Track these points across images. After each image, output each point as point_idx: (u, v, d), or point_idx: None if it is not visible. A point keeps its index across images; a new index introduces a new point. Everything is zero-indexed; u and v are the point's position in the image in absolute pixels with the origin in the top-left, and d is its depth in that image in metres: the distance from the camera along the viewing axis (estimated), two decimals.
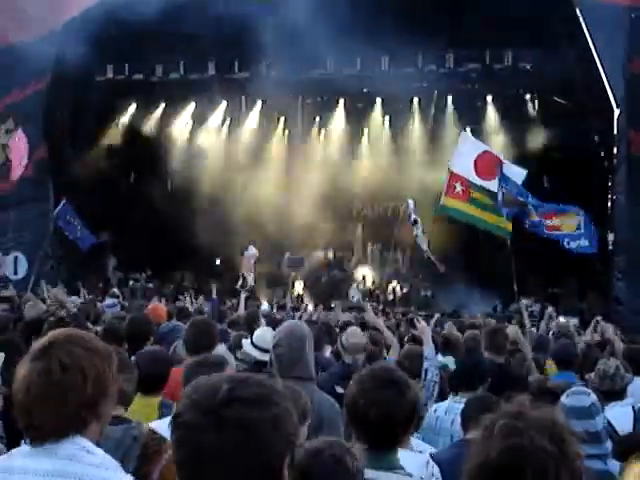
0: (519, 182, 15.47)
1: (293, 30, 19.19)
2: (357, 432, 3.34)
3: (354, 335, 6.78)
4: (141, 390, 4.76)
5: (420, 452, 4.11)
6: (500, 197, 15.88)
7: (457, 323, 13.34)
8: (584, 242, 15.45)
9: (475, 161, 15.96)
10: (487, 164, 16.44)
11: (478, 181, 15.67)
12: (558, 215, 15.87)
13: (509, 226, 15.73)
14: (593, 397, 4.30)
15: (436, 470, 3.79)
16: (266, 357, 5.20)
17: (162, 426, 4.33)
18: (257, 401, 1.84)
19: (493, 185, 15.72)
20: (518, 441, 1.97)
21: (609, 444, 4.37)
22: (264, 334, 5.90)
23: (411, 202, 19.41)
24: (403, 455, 3.47)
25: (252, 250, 22.91)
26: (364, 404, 3.29)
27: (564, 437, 2.00)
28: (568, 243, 15.49)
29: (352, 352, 6.61)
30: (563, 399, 4.28)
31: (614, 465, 4.28)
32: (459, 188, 15.93)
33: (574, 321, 18.53)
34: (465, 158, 15.98)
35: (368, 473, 3.13)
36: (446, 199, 15.95)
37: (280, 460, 1.84)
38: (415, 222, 18.62)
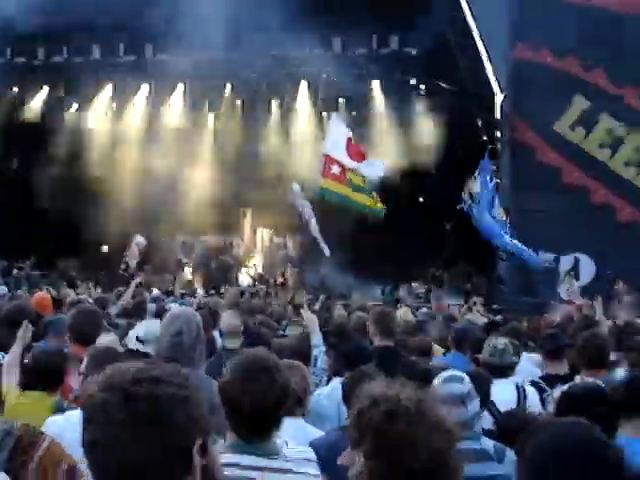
0: (381, 171, 16.02)
1: (180, 13, 18.97)
2: (230, 420, 3.33)
3: (230, 318, 6.77)
4: (34, 387, 4.66)
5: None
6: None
7: (346, 306, 13.46)
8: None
9: (346, 143, 16.27)
10: (356, 146, 16.84)
11: (351, 163, 16.02)
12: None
13: (379, 205, 16.18)
14: (467, 383, 4.37)
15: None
16: (148, 348, 5.13)
17: (58, 422, 4.25)
18: (167, 381, 1.86)
19: (363, 167, 16.09)
20: (392, 427, 1.99)
21: (479, 426, 4.47)
22: (147, 326, 5.81)
23: (296, 187, 19.47)
24: (288, 439, 3.48)
25: (139, 238, 22.64)
26: (236, 393, 3.29)
27: (435, 415, 2.02)
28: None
29: (230, 336, 6.62)
30: (437, 386, 4.34)
31: (489, 444, 4.38)
32: (335, 170, 16.17)
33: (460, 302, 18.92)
34: (337, 141, 16.26)
35: (241, 459, 3.14)
36: (324, 181, 16.17)
37: (189, 441, 1.85)
38: (301, 206, 18.69)
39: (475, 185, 16.60)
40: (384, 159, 17.81)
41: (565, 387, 4.75)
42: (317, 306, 12.72)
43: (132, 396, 1.82)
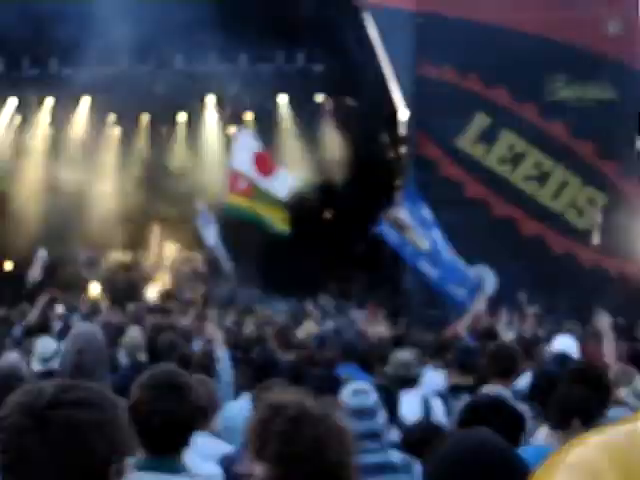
0: (291, 186, 16.01)
1: (86, 27, 18.77)
2: (140, 438, 3.31)
3: (135, 335, 6.77)
4: None
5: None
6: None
7: (254, 321, 13.48)
8: (461, 292, 16.12)
9: (252, 158, 16.29)
10: (264, 161, 16.86)
11: (259, 178, 16.05)
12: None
13: (285, 223, 16.25)
14: (374, 395, 4.46)
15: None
16: (50, 367, 5.09)
17: None
18: (84, 404, 1.81)
19: (272, 182, 16.14)
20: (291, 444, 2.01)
21: (387, 437, 4.56)
22: (44, 344, 5.75)
23: (201, 205, 19.42)
24: (196, 455, 3.50)
25: (42, 252, 22.19)
26: (146, 411, 3.27)
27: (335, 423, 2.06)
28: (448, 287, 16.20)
29: (132, 350, 6.61)
30: (346, 398, 4.41)
31: (396, 456, 4.48)
32: (242, 185, 16.20)
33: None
34: (244, 155, 16.28)
35: (149, 477, 3.13)
36: (230, 197, 16.17)
37: (105, 465, 1.82)
38: (204, 227, 18.62)
39: (401, 213, 16.62)
40: (292, 175, 17.88)
41: (468, 398, 4.88)
42: (227, 321, 12.73)
43: (48, 422, 1.76)
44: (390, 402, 5.03)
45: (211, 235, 19.25)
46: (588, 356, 7.41)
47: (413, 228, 16.29)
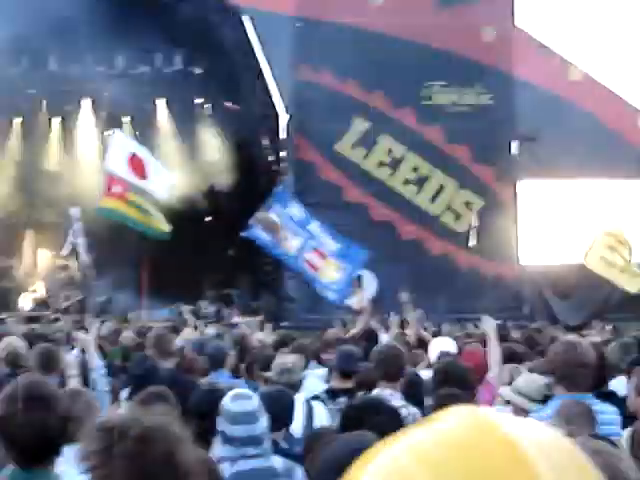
0: (169, 188, 15.89)
1: None
2: (9, 451, 3.19)
3: (13, 343, 6.54)
4: None
5: None
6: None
7: (133, 328, 13.24)
8: (331, 294, 15.99)
9: (128, 160, 16.04)
10: (140, 163, 16.60)
11: (134, 181, 15.82)
12: (325, 258, 16.18)
13: (164, 226, 16.06)
14: (256, 400, 4.40)
15: None
16: None
17: None
18: None
19: (149, 184, 15.94)
20: (140, 463, 1.90)
21: (269, 442, 4.50)
22: None
23: (73, 210, 18.99)
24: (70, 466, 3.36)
25: None
26: (14, 424, 3.15)
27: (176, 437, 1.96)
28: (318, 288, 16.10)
29: (16, 361, 6.40)
30: (227, 404, 4.34)
31: (278, 461, 4.41)
32: (117, 188, 15.91)
33: (249, 320, 19.01)
34: (119, 158, 16.01)
35: None
36: (105, 200, 15.87)
37: None
38: (74, 234, 18.21)
39: (271, 214, 16.55)
40: (170, 176, 17.60)
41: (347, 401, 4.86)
42: (104, 330, 12.42)
43: None
44: (283, 408, 4.98)
45: (79, 241, 18.82)
46: (466, 357, 7.50)
47: (283, 229, 16.30)
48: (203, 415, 4.57)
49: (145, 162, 16.61)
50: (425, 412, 5.35)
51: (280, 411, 4.84)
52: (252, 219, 16.27)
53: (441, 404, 4.64)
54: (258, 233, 16.18)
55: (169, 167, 20.77)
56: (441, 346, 8.08)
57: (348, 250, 16.31)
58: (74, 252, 18.66)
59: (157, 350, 6.84)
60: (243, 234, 16.51)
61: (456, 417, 1.04)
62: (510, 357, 7.39)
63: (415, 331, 9.73)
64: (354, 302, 17.27)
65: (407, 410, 5.10)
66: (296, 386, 6.07)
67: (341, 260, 16.10)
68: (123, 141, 17.19)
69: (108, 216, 16.76)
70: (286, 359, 6.17)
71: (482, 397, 6.08)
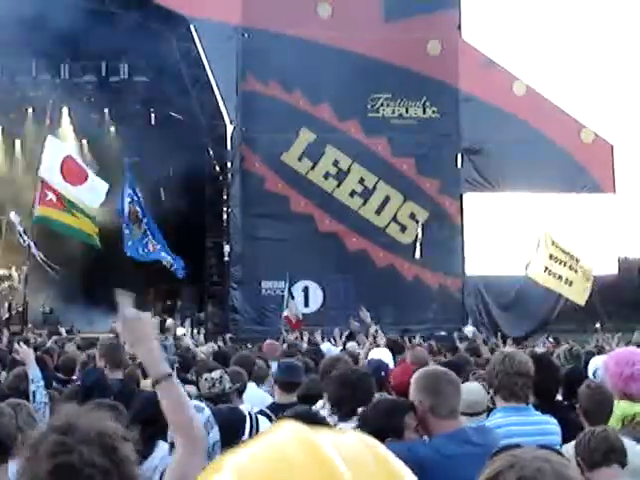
0: (102, 196, 15.84)
1: None
2: None
3: None
4: None
5: None
6: (126, 209, 15.94)
7: (76, 340, 13.07)
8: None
9: (61, 166, 15.89)
10: (74, 169, 16.43)
11: (67, 188, 15.68)
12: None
13: (96, 234, 16.00)
14: (207, 412, 4.36)
15: None
16: None
17: None
18: None
19: (84, 191, 15.81)
20: (66, 459, 1.86)
21: (218, 455, 4.46)
22: None
23: (13, 214, 18.74)
24: None
25: None
26: None
27: (115, 445, 1.92)
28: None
29: None
30: None
31: None
32: (52, 196, 15.77)
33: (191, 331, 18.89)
34: (53, 164, 15.86)
35: None
36: (40, 208, 15.71)
37: None
38: (24, 233, 17.96)
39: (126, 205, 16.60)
40: (103, 184, 17.36)
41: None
42: (49, 343, 12.25)
43: None
44: (232, 424, 4.94)
45: (28, 242, 18.55)
46: (400, 366, 7.48)
47: (137, 216, 16.44)
48: (147, 421, 4.51)
49: (79, 169, 16.49)
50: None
51: (229, 427, 4.80)
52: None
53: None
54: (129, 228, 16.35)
55: (114, 177, 20.64)
56: (378, 355, 8.08)
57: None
58: (29, 252, 18.37)
59: (107, 361, 6.75)
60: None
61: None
62: (457, 369, 7.41)
63: (368, 345, 9.73)
64: (286, 312, 17.39)
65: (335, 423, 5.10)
66: (227, 396, 6.03)
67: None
68: (57, 147, 17.00)
69: (46, 224, 16.60)
70: (212, 374, 6.13)
71: None
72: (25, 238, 17.89)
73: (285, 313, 17.27)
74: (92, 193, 16.42)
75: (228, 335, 17.35)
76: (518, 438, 3.98)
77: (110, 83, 22.66)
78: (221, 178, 22.15)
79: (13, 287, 24.01)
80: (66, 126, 24.33)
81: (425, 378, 3.90)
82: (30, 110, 24.61)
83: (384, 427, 3.67)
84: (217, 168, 22.26)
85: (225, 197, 21.85)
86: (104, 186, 16.82)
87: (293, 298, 18.38)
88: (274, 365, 8.49)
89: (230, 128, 21.43)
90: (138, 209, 16.53)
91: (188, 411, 2.72)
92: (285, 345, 11.35)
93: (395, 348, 8.93)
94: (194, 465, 2.58)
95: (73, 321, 21.42)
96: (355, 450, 1.10)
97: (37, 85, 22.64)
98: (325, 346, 11.64)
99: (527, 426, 4.39)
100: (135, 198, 16.57)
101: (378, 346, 9.16)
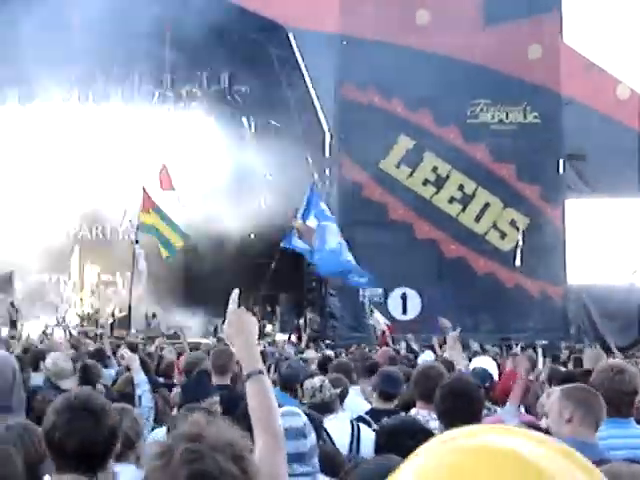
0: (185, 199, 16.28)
1: None
2: (55, 461, 3.21)
3: (60, 360, 6.56)
4: None
5: None
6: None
7: (178, 346, 13.25)
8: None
9: (161, 173, 16.37)
10: (168, 176, 16.95)
11: (161, 192, 16.22)
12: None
13: (179, 244, 16.37)
14: (303, 417, 4.37)
15: None
16: None
17: None
18: None
19: (173, 194, 16.30)
20: (201, 466, 1.90)
21: (316, 460, 4.45)
22: None
23: (129, 222, 19.18)
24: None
25: None
26: (60, 435, 3.18)
27: (243, 454, 1.96)
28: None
29: (60, 377, 6.40)
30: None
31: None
32: (150, 205, 16.27)
33: (293, 338, 19.07)
34: (154, 173, 16.36)
35: None
36: (141, 215, 16.22)
37: None
38: (137, 242, 18.40)
39: (309, 220, 16.67)
40: (216, 196, 17.75)
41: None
42: (151, 347, 12.48)
43: None
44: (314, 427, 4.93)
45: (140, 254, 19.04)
46: (507, 376, 7.37)
47: (322, 228, 16.50)
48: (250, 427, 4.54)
49: (169, 176, 17.03)
50: None
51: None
52: (290, 228, 16.45)
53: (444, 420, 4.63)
54: (295, 242, 16.34)
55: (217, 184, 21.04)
56: (480, 364, 7.96)
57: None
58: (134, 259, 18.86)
59: (213, 366, 6.86)
60: (282, 244, 16.64)
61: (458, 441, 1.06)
62: (559, 379, 7.25)
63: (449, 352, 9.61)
64: (376, 323, 17.29)
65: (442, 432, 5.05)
66: (330, 404, 6.02)
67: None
68: (158, 155, 17.54)
69: (146, 232, 17.04)
70: (313, 381, 6.12)
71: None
72: (136, 246, 18.36)
73: (380, 327, 16.99)
74: (183, 195, 16.97)
75: (326, 342, 17.43)
76: (621, 451, 3.90)
77: (211, 92, 23.02)
78: (319, 186, 22.22)
79: (117, 292, 24.64)
80: (168, 134, 24.76)
81: (578, 390, 3.98)
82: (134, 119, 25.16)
83: None
84: (315, 175, 22.35)
85: (323, 206, 21.89)
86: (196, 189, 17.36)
87: (372, 312, 18.28)
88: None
89: (328, 136, 21.50)
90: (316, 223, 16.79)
91: (275, 409, 2.79)
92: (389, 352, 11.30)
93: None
94: (279, 462, 2.62)
95: (174, 326, 21.78)
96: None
97: (140, 95, 23.14)
98: (426, 355, 11.54)
99: (630, 439, 4.30)
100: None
101: (482, 353, 9.04)
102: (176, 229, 16.93)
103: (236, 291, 3.03)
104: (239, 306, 3.09)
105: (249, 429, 4.31)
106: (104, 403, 3.35)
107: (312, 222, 16.56)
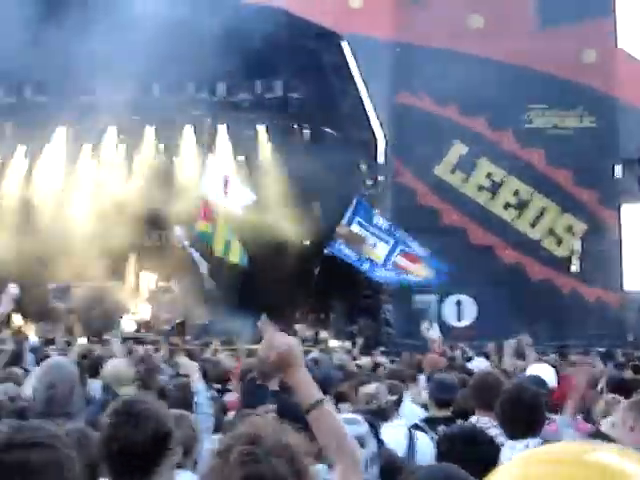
0: (242, 202, 16.34)
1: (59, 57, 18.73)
2: (106, 466, 3.28)
3: (122, 366, 6.64)
4: None
5: None
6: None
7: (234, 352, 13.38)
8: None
9: (224, 184, 16.51)
10: (209, 210, 17.17)
11: (224, 200, 16.34)
12: (417, 262, 16.61)
13: (236, 259, 16.47)
14: (364, 425, 4.38)
15: None
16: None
17: None
18: (36, 445, 1.79)
19: (230, 197, 16.39)
20: (256, 469, 1.92)
21: (376, 469, 4.46)
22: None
23: (178, 228, 19.35)
24: None
25: (12, 289, 21.91)
26: (105, 439, 3.26)
27: (298, 458, 1.98)
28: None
29: (119, 383, 6.49)
30: None
31: None
32: (209, 213, 16.44)
33: (347, 345, 19.02)
34: (214, 183, 16.47)
35: None
36: (200, 223, 16.38)
37: None
38: (188, 247, 18.59)
39: (354, 227, 16.67)
40: (246, 189, 17.90)
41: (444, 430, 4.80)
42: (207, 353, 12.61)
43: (2, 463, 1.75)
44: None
45: (196, 257, 19.25)
46: (565, 384, 7.29)
47: (369, 238, 16.40)
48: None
49: (229, 181, 17.12)
50: None
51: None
52: (335, 234, 16.44)
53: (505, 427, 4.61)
54: (341, 248, 16.33)
55: (270, 192, 21.12)
56: (537, 371, 7.88)
57: (431, 259, 16.71)
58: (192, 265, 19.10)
59: (259, 373, 6.91)
60: (326, 251, 16.66)
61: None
62: (618, 386, 7.17)
63: (509, 360, 9.53)
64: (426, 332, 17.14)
65: (504, 439, 5.00)
66: (386, 411, 6.01)
67: (427, 264, 16.46)
68: (217, 166, 17.66)
69: (206, 240, 17.18)
70: (368, 388, 6.12)
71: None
72: (191, 251, 18.55)
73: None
74: (235, 199, 17.03)
75: (380, 349, 17.38)
76: None
77: (265, 100, 23.14)
78: (373, 192, 22.22)
79: (173, 299, 24.81)
80: (223, 144, 24.95)
81: None
82: (188, 128, 25.38)
83: None
84: (368, 182, 22.36)
85: (377, 211, 21.89)
86: (246, 192, 17.37)
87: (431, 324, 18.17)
88: (421, 378, 8.46)
89: (382, 142, 21.51)
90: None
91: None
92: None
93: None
94: None
95: (230, 333, 21.88)
96: None
97: (195, 104, 23.34)
98: (478, 361, 11.48)
99: None
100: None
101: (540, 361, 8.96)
102: (238, 246, 17.11)
103: (267, 322, 2.95)
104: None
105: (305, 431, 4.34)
106: (147, 408, 3.38)
107: (355, 228, 16.56)
